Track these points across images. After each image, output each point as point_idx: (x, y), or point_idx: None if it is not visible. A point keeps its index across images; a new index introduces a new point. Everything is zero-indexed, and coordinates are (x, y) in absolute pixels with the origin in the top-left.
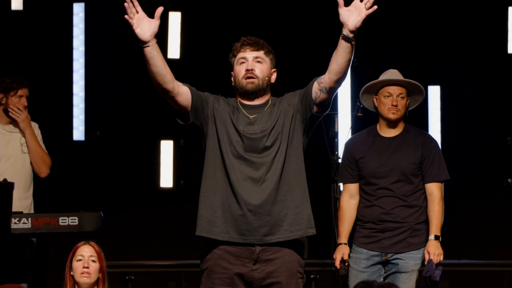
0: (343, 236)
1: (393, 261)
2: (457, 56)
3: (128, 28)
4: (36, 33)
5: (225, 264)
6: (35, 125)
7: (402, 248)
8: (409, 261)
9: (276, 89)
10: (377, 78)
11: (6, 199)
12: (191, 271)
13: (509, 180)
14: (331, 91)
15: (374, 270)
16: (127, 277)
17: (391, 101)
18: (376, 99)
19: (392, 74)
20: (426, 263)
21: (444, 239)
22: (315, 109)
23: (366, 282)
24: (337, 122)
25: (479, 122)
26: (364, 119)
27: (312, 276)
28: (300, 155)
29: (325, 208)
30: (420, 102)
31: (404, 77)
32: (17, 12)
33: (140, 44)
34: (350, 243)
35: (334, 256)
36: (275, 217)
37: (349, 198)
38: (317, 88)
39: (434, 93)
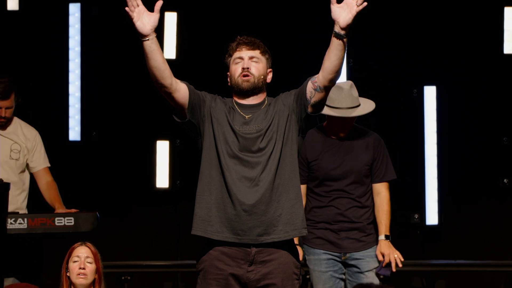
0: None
1: (352, 262)
2: (453, 57)
3: (124, 28)
4: (32, 33)
5: (220, 265)
6: (35, 134)
7: (360, 247)
8: (369, 259)
9: (272, 89)
10: (374, 77)
11: (2, 199)
12: (188, 271)
13: (505, 180)
14: (326, 90)
15: (336, 269)
16: (123, 277)
17: (341, 124)
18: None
19: (342, 93)
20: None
21: (441, 239)
22: (309, 109)
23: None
24: None
25: (475, 123)
26: (360, 119)
27: (308, 276)
28: (295, 156)
29: None
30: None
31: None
32: (13, 12)
33: (140, 38)
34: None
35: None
36: (269, 217)
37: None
38: (312, 87)
39: (430, 93)
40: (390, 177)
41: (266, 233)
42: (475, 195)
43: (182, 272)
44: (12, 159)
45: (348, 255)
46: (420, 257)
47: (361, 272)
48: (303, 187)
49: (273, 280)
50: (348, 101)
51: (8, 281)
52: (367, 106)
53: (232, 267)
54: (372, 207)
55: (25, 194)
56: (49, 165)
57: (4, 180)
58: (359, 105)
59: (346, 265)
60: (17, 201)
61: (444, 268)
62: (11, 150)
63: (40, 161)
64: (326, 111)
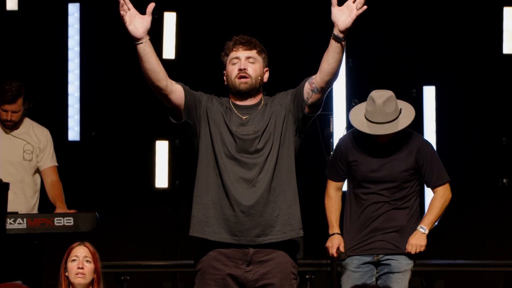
0: (336, 226)
1: (384, 262)
2: (452, 57)
3: (123, 28)
4: (31, 33)
5: (218, 265)
6: (47, 133)
7: (392, 250)
8: (402, 261)
9: (269, 88)
10: (373, 77)
11: (1, 199)
12: (187, 271)
13: (504, 180)
14: (323, 91)
15: (366, 270)
16: (122, 277)
17: (377, 137)
18: None
19: (376, 112)
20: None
21: (441, 239)
22: (306, 109)
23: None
24: (332, 122)
25: (474, 123)
26: None
27: (307, 276)
28: (292, 156)
29: (319, 208)
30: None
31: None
32: (12, 12)
33: (133, 41)
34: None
35: (327, 245)
36: (267, 218)
37: (336, 190)
38: (309, 88)
39: (429, 93)
40: (441, 182)
41: (263, 234)
42: (475, 195)
43: (181, 272)
44: (25, 160)
45: (380, 255)
46: (419, 257)
47: (391, 273)
48: (340, 184)
49: (271, 280)
50: (379, 116)
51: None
52: (403, 120)
53: (230, 267)
54: (413, 208)
55: (37, 195)
56: (56, 164)
57: (19, 182)
58: (395, 119)
59: (377, 264)
60: (31, 203)
61: (444, 268)
62: (24, 151)
63: (47, 160)
64: (360, 124)
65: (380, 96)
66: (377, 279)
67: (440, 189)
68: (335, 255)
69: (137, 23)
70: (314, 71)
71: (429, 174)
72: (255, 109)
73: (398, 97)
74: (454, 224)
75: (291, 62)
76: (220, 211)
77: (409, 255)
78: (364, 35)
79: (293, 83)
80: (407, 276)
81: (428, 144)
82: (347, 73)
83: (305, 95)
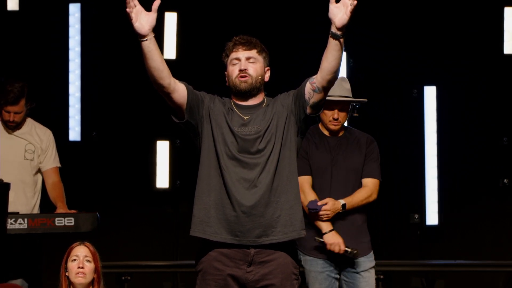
0: (329, 223)
1: (347, 261)
2: (453, 57)
3: (123, 28)
4: (32, 33)
5: (219, 265)
6: (49, 134)
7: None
8: (365, 259)
9: (272, 89)
10: (374, 77)
11: (2, 199)
12: (187, 271)
13: (505, 180)
14: (325, 91)
15: (332, 268)
16: (123, 277)
17: (332, 114)
18: None
19: (335, 84)
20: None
21: (441, 239)
22: (308, 110)
23: None
24: None
25: (475, 123)
26: (360, 119)
27: None
28: (293, 157)
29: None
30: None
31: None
32: (13, 12)
33: (138, 38)
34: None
35: (332, 242)
36: (268, 219)
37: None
38: (310, 88)
39: (430, 93)
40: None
41: (264, 235)
42: (475, 195)
43: (182, 272)
44: (27, 159)
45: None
46: (419, 257)
47: (357, 272)
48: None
49: (272, 281)
50: (337, 90)
51: (17, 283)
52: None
53: (230, 267)
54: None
55: (37, 196)
56: (59, 165)
57: (19, 182)
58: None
59: (341, 265)
60: (31, 203)
61: (444, 268)
62: (25, 151)
63: (50, 161)
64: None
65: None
66: (340, 280)
67: (368, 183)
68: (347, 250)
69: (143, 20)
70: (314, 71)
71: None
72: (257, 109)
73: (399, 97)
74: (455, 224)
75: (291, 62)
76: (222, 212)
77: (369, 253)
78: (365, 35)
79: (293, 83)
80: (373, 274)
81: (374, 140)
82: (348, 73)
83: (307, 95)
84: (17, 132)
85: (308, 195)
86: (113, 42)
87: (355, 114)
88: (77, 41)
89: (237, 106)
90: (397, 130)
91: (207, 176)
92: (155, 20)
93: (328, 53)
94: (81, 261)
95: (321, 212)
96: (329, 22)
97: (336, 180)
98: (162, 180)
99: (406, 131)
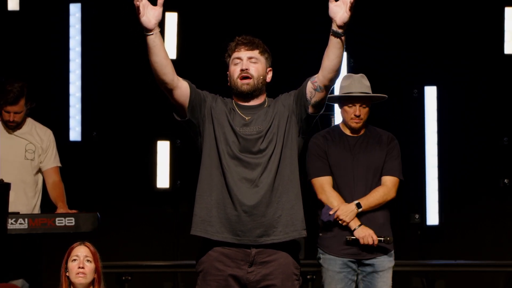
0: (356, 219)
1: (367, 261)
2: (453, 57)
3: (124, 28)
4: (33, 33)
5: (220, 266)
6: (50, 133)
7: (376, 252)
8: (384, 259)
9: (272, 89)
10: (375, 78)
11: (2, 199)
12: (188, 271)
13: (505, 180)
14: (326, 89)
15: (349, 270)
16: (123, 278)
17: (353, 111)
18: (339, 105)
19: (355, 81)
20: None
21: (441, 239)
22: (310, 109)
23: None
24: (333, 122)
25: (475, 123)
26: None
27: (308, 276)
28: (295, 157)
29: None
30: (385, 98)
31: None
32: (13, 12)
33: (144, 32)
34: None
35: (363, 236)
36: (269, 219)
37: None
38: (312, 87)
39: (430, 93)
40: (396, 173)
41: (266, 234)
42: (476, 195)
43: (182, 272)
44: (27, 159)
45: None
46: (420, 257)
47: (375, 272)
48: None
49: (273, 281)
50: (357, 86)
51: (17, 283)
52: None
53: (232, 268)
54: (385, 208)
55: (38, 195)
56: (59, 165)
57: (20, 182)
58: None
59: (360, 264)
60: (32, 203)
61: (444, 268)
62: (25, 151)
63: (50, 160)
64: (336, 95)
65: (355, 75)
66: (357, 279)
67: (387, 181)
68: (376, 243)
69: (149, 14)
70: (314, 71)
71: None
72: (258, 109)
73: (400, 97)
74: (455, 224)
75: (291, 63)
76: (223, 211)
77: (390, 253)
78: (365, 35)
79: (293, 83)
80: (390, 274)
81: (394, 138)
82: (349, 72)
83: (308, 95)
84: (18, 132)
85: (330, 195)
86: (114, 42)
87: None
88: (78, 41)
89: (239, 106)
90: (397, 130)
91: (209, 176)
92: (161, 14)
93: (330, 52)
94: (81, 261)
95: (337, 219)
96: (329, 21)
97: (356, 178)
98: (163, 180)
99: (407, 131)
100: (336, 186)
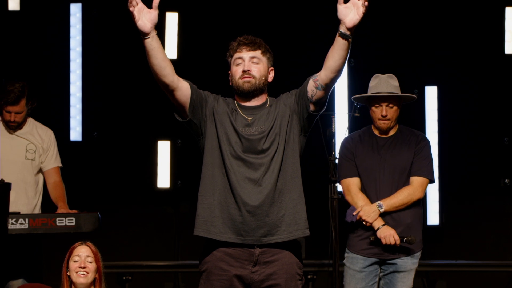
0: (379, 219)
1: (390, 261)
2: (454, 57)
3: (125, 28)
4: (33, 33)
5: (224, 266)
6: (50, 134)
7: (399, 252)
8: (407, 260)
9: (272, 88)
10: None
11: (3, 199)
12: (188, 271)
13: (506, 180)
14: (327, 88)
15: (371, 269)
16: (124, 278)
17: (380, 111)
18: (368, 105)
19: (382, 81)
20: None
21: (442, 239)
22: (311, 107)
23: None
24: (334, 122)
25: (476, 123)
26: (361, 119)
27: (309, 276)
28: (297, 156)
29: (322, 208)
30: (415, 99)
31: (399, 79)
32: (14, 12)
33: (141, 36)
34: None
35: (384, 236)
36: (273, 218)
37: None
38: (313, 86)
39: (431, 93)
40: (424, 174)
41: (269, 234)
42: (476, 195)
43: (183, 272)
44: (28, 159)
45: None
46: (421, 257)
47: (396, 272)
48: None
49: (277, 281)
50: (384, 86)
51: (18, 283)
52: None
53: (236, 268)
54: (412, 208)
55: (39, 195)
56: (60, 165)
57: (21, 182)
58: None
59: (382, 263)
60: (33, 203)
61: (445, 268)
62: (26, 150)
63: (51, 161)
64: (363, 95)
65: (383, 75)
66: (380, 278)
67: (414, 181)
68: (398, 243)
69: (145, 18)
70: (317, 70)
71: (416, 163)
72: (260, 110)
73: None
74: (456, 224)
75: (292, 62)
76: (226, 211)
77: (415, 255)
78: (366, 35)
79: (295, 83)
80: (412, 275)
81: (425, 138)
82: (350, 73)
83: (310, 93)
84: (19, 132)
85: (356, 196)
86: (114, 42)
87: (356, 114)
88: (78, 41)
89: (241, 107)
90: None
91: (211, 176)
92: (157, 17)
93: (335, 52)
94: (83, 261)
95: (360, 219)
96: (332, 21)
97: (382, 179)
98: (163, 180)
99: None
100: (363, 187)
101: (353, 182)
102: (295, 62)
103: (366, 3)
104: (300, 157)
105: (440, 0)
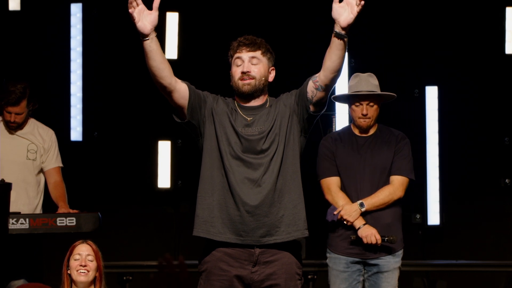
0: (360, 218)
1: (372, 262)
2: (454, 57)
3: (125, 28)
4: (34, 33)
5: (224, 266)
6: (52, 134)
7: (381, 252)
8: (390, 260)
9: (273, 88)
10: (377, 77)
11: (3, 199)
12: (189, 271)
13: (506, 180)
14: (327, 89)
15: (354, 269)
16: (124, 278)
17: (360, 109)
18: (348, 104)
19: (362, 80)
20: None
21: (443, 239)
22: (311, 108)
23: None
24: (335, 122)
25: (476, 123)
26: None
27: (309, 276)
28: (297, 156)
29: (321, 208)
30: (394, 97)
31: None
32: (14, 12)
33: (141, 37)
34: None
35: (365, 235)
36: (272, 218)
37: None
38: (313, 87)
39: (431, 93)
40: (404, 173)
41: (268, 234)
42: (477, 195)
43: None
44: (29, 159)
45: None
46: (421, 257)
47: (380, 272)
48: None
49: (277, 281)
50: (364, 85)
51: (19, 283)
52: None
53: (236, 268)
54: (393, 206)
55: (40, 196)
56: (61, 165)
57: (22, 182)
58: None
59: (365, 264)
60: (34, 203)
61: (445, 268)
62: (27, 151)
63: (52, 160)
64: (343, 94)
65: (363, 74)
66: (364, 280)
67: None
68: (379, 242)
69: (145, 19)
70: (317, 70)
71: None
72: (260, 110)
73: (401, 97)
74: (456, 224)
75: (292, 63)
76: (225, 212)
77: (397, 254)
78: (367, 35)
79: (296, 83)
80: (396, 275)
81: (405, 137)
82: (350, 73)
83: (310, 94)
84: (20, 132)
85: (337, 196)
86: (115, 42)
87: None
88: (79, 41)
89: (241, 107)
90: (398, 130)
91: (210, 176)
92: (157, 18)
93: (332, 53)
94: (83, 259)
95: (341, 219)
96: (330, 22)
97: (363, 179)
98: (164, 180)
99: (408, 131)
100: (343, 187)
101: (333, 182)
102: (296, 63)
103: (363, 2)
104: (300, 158)
105: (440, 0)
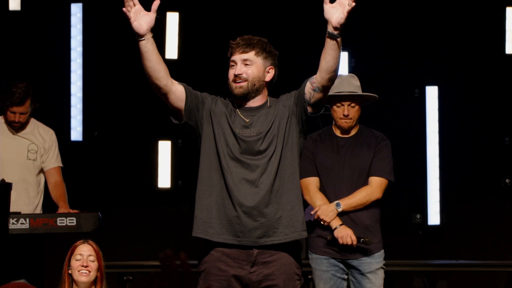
0: (337, 218)
1: (353, 263)
2: (455, 57)
3: (126, 28)
4: (34, 33)
5: (223, 266)
6: (52, 134)
7: (357, 253)
8: (372, 261)
9: (273, 89)
10: (376, 77)
11: (4, 199)
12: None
13: (506, 180)
14: (324, 90)
15: (336, 269)
16: (125, 278)
17: (342, 110)
18: (329, 105)
19: (343, 81)
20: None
21: (443, 239)
22: (309, 109)
23: None
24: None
25: (476, 123)
26: (361, 119)
27: (309, 276)
28: (295, 157)
29: None
30: (376, 99)
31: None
32: (15, 12)
33: (136, 37)
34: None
35: (341, 236)
36: (269, 219)
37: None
38: (310, 88)
39: (432, 93)
40: (383, 174)
41: (266, 235)
42: (477, 195)
43: None
44: (30, 159)
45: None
46: (421, 257)
47: (363, 274)
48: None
49: (275, 281)
50: (346, 86)
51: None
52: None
53: (234, 268)
54: (373, 207)
55: (40, 195)
56: (61, 165)
57: (22, 182)
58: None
59: (347, 265)
60: (34, 203)
61: (446, 268)
62: (28, 151)
63: (52, 160)
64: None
65: (345, 74)
66: (348, 280)
67: (373, 181)
68: (354, 243)
69: (141, 20)
70: (313, 71)
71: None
72: (259, 111)
73: (401, 97)
74: (456, 224)
75: (292, 63)
76: (223, 212)
77: (377, 254)
78: (366, 35)
79: (296, 83)
80: (380, 275)
81: (386, 139)
82: (350, 72)
83: (307, 95)
84: (20, 132)
85: (315, 196)
86: (115, 42)
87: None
88: (79, 41)
89: (240, 108)
90: (398, 130)
91: (208, 177)
92: (154, 20)
93: (326, 53)
94: (85, 259)
95: (318, 219)
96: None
97: (342, 179)
98: (164, 180)
99: (408, 131)
100: (322, 187)
101: (312, 182)
102: (296, 63)
103: (354, 3)
104: (299, 159)
105: (440, 0)
